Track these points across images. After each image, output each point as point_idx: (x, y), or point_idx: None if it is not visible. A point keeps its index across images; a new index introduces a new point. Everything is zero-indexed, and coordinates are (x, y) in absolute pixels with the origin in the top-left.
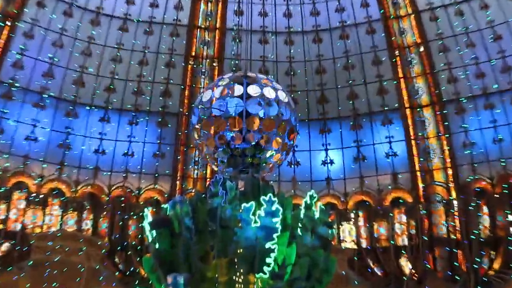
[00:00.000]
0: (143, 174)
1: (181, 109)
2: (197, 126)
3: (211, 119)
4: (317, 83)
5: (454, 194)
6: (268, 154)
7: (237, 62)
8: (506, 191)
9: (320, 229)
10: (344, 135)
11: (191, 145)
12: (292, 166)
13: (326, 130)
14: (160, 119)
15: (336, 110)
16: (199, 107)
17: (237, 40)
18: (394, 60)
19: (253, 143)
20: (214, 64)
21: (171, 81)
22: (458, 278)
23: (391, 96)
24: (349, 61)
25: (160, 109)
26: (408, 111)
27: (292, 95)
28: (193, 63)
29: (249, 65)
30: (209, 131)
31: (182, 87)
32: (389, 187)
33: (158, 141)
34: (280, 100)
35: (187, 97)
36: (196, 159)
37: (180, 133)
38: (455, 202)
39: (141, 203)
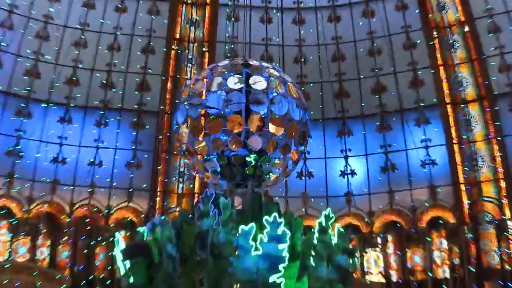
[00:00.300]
0: (114, 189)
1: (162, 107)
2: (183, 128)
3: (201, 118)
4: (334, 73)
5: (508, 213)
6: (274, 163)
7: (233, 46)
8: None
9: (339, 258)
10: (369, 138)
11: (175, 152)
12: (303, 177)
13: (345, 133)
14: (135, 119)
15: (359, 106)
16: (186, 103)
17: (233, 19)
18: (431, 43)
19: (256, 149)
20: (204, 49)
21: (150, 70)
22: None
23: (427, 88)
24: (375, 44)
25: (135, 106)
26: (449, 108)
27: (302, 88)
28: (177, 48)
29: (248, 50)
30: (198, 134)
31: (164, 78)
32: (426, 204)
33: (133, 147)
34: (290, 95)
35: (169, 91)
36: (181, 169)
37: (160, 137)
38: (510, 223)
39: (112, 225)
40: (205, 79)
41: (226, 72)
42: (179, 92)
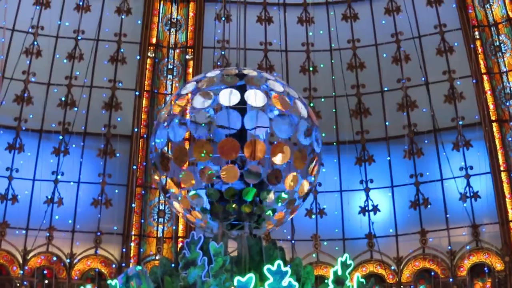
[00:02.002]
0: (77, 233)
1: (136, 129)
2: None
3: (186, 143)
4: (350, 85)
5: None
6: (278, 198)
7: (223, 53)
8: None
9: None
10: (395, 165)
11: (153, 186)
12: (314, 216)
13: (366, 159)
14: (103, 145)
15: (382, 126)
16: (165, 124)
17: (224, 18)
18: (472, 46)
19: (255, 181)
20: (188, 56)
21: (120, 84)
22: None
23: (468, 103)
24: (401, 48)
25: (103, 129)
26: (495, 127)
27: (311, 104)
28: (154, 55)
29: (243, 57)
30: (182, 163)
31: (137, 93)
32: (467, 247)
33: (101, 180)
34: (296, 113)
35: (145, 110)
36: (161, 207)
37: (135, 167)
38: None
39: (75, 278)
40: (189, 94)
41: (216, 85)
42: (156, 111)
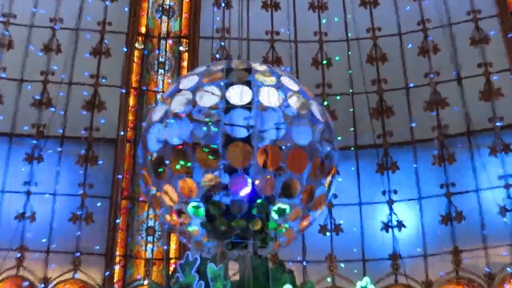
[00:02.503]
0: (53, 253)
1: (121, 132)
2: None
3: (183, 149)
4: (371, 80)
5: None
6: (288, 212)
7: (223, 44)
8: None
9: None
10: (423, 174)
11: (142, 198)
12: (329, 233)
13: (389, 166)
14: (84, 151)
15: (407, 128)
16: (158, 126)
17: (224, 4)
18: (510, 35)
19: (266, 194)
20: (182, 48)
21: (104, 80)
22: None
23: (507, 101)
24: (429, 38)
25: (83, 132)
26: None
27: (325, 103)
28: (143, 47)
29: (246, 48)
30: (177, 171)
31: (124, 91)
32: (508, 269)
33: (81, 192)
34: (313, 115)
35: (132, 109)
36: (151, 223)
37: (120, 176)
38: None
39: None
40: (182, 90)
41: (217, 80)
42: (146, 111)
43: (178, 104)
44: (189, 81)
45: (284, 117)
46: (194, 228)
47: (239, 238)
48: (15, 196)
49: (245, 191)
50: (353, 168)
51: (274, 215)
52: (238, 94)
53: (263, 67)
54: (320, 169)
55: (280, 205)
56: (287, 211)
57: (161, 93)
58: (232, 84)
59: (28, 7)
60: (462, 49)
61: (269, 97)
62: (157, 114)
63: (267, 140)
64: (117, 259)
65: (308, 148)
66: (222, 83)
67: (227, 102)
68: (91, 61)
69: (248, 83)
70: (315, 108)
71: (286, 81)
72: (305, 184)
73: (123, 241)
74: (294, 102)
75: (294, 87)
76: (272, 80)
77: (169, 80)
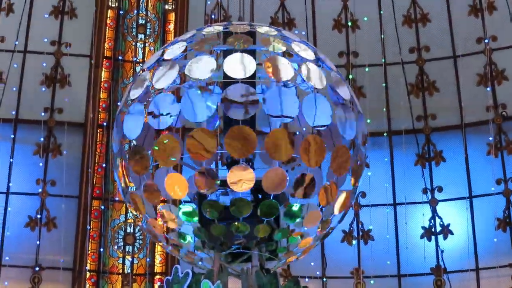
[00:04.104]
0: (6, 268)
1: (91, 115)
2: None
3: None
4: (408, 47)
5: None
6: (304, 215)
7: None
8: None
9: None
10: (475, 166)
11: (118, 198)
12: (355, 241)
13: (431, 157)
14: (43, 138)
15: (455, 108)
16: (137, 106)
17: None
18: None
19: (275, 192)
20: (168, 6)
21: (68, 49)
22: None
23: None
24: None
25: (42, 114)
26: None
27: (350, 77)
28: (117, 5)
29: (250, 7)
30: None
31: (93, 62)
32: None
33: (40, 190)
34: (335, 91)
35: (105, 86)
36: (130, 229)
37: (89, 170)
38: None
39: None
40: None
41: (212, 47)
42: (122, 88)
43: (162, 79)
44: (176, 49)
45: (296, 94)
46: (184, 236)
47: (242, 248)
48: None
49: (247, 186)
50: (386, 159)
51: (285, 219)
52: (239, 65)
53: (271, 31)
54: (343, 160)
55: (293, 206)
56: (302, 213)
57: (141, 64)
58: (231, 52)
59: None
60: None
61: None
62: (136, 91)
63: (275, 123)
64: (88, 274)
65: (328, 134)
66: (218, 51)
67: (225, 75)
68: (51, 23)
69: (252, 52)
70: (337, 83)
71: (300, 47)
72: (325, 179)
73: (95, 252)
74: (309, 74)
75: (310, 55)
76: (281, 47)
77: (151, 48)
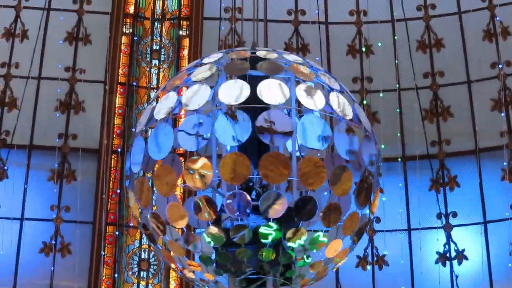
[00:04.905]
0: None
1: (105, 141)
2: (143, 179)
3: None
4: (422, 73)
5: None
6: (314, 240)
7: (233, 26)
8: None
9: None
10: (490, 191)
11: (131, 224)
12: (369, 266)
13: (446, 182)
14: (57, 164)
15: (469, 133)
16: (149, 130)
17: None
18: None
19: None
20: (182, 32)
21: (82, 74)
22: None
23: None
24: (496, 18)
25: (57, 140)
26: None
27: (364, 102)
28: (131, 31)
29: (264, 32)
30: (171, 191)
31: (107, 87)
32: None
33: (54, 217)
34: (349, 119)
35: (119, 111)
36: (144, 255)
37: (103, 196)
38: None
39: None
40: (183, 88)
41: (225, 72)
42: (136, 114)
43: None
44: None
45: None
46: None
47: (256, 274)
48: None
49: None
50: (400, 184)
51: (293, 241)
52: (274, 91)
53: (296, 58)
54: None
55: (296, 228)
56: (304, 235)
57: (155, 90)
58: (257, 78)
59: None
60: None
61: (311, 97)
62: (147, 117)
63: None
64: None
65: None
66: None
67: (255, 99)
68: (66, 49)
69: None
70: (358, 110)
71: (325, 76)
72: (333, 200)
73: (109, 278)
74: (336, 103)
75: (334, 83)
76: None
77: (166, 74)
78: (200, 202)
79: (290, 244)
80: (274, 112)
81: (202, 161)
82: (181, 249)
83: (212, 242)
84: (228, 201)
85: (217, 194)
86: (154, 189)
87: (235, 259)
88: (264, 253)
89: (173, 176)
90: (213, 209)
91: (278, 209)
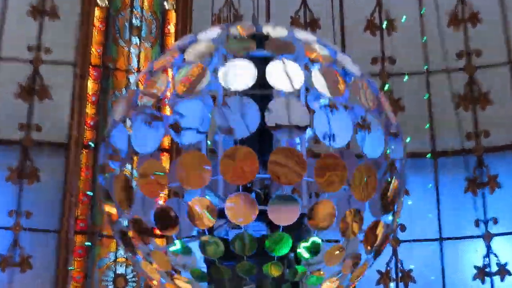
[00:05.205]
0: None
1: (75, 133)
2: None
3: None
4: (455, 51)
5: None
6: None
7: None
8: None
9: None
10: None
11: (105, 232)
12: (393, 284)
13: (485, 183)
14: (17, 162)
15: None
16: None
17: None
18: None
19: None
20: (167, 4)
21: (48, 55)
22: None
23: None
24: None
25: (19, 133)
26: None
27: (386, 86)
28: (107, 3)
29: (265, 7)
30: (156, 192)
31: (77, 70)
32: None
33: (13, 223)
34: (364, 104)
35: (92, 99)
36: (121, 269)
37: (72, 199)
38: None
39: None
40: (169, 70)
41: (216, 54)
42: (112, 101)
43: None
44: (194, 50)
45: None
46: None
47: None
48: None
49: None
50: (430, 186)
51: (305, 254)
52: (284, 74)
53: (309, 36)
54: (371, 184)
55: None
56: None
57: (136, 73)
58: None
59: None
60: None
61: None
62: (127, 106)
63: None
64: None
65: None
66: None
67: (262, 84)
68: (29, 25)
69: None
70: (365, 92)
71: (345, 59)
72: (347, 207)
73: None
74: (359, 91)
75: (354, 68)
76: (327, 56)
77: (149, 55)
78: (196, 206)
79: (303, 255)
80: (286, 100)
81: (198, 155)
82: (167, 262)
83: (208, 253)
84: (230, 204)
85: (213, 195)
86: (136, 189)
87: (234, 274)
88: (272, 268)
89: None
90: (213, 214)
91: (289, 215)
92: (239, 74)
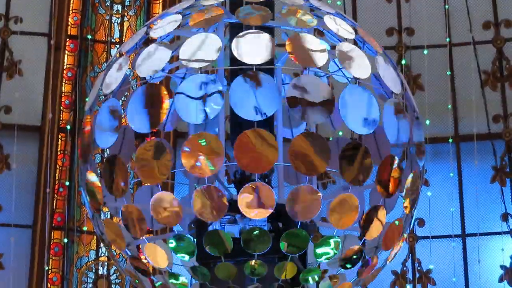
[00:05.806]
0: None
1: (50, 115)
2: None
3: (158, 142)
4: (482, 22)
5: None
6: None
7: None
8: None
9: None
10: None
11: (85, 229)
12: (410, 286)
13: None
14: None
15: None
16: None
17: None
18: None
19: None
20: None
21: (18, 25)
22: None
23: None
24: None
25: None
26: None
27: (402, 61)
28: None
29: None
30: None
31: (52, 42)
32: None
33: None
34: (382, 81)
35: (68, 75)
36: (102, 270)
37: (47, 190)
38: None
39: None
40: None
41: (216, 23)
42: (91, 77)
43: (147, 65)
44: (166, 25)
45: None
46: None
47: None
48: None
49: (264, 212)
50: (451, 174)
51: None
52: (254, 46)
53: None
54: (394, 176)
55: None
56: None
57: (118, 45)
58: (241, 28)
59: None
60: None
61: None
62: (110, 82)
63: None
64: None
65: (372, 141)
66: (223, 27)
67: (232, 59)
68: None
69: (269, 29)
70: (384, 70)
71: (335, 22)
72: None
73: None
74: (348, 59)
75: (348, 33)
76: (310, 21)
77: (132, 24)
78: (204, 194)
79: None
80: (306, 77)
81: (210, 139)
82: (165, 258)
83: (214, 250)
84: (243, 196)
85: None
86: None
87: (240, 273)
88: (286, 269)
89: (167, 157)
90: (223, 205)
91: (310, 208)
92: (253, 46)
